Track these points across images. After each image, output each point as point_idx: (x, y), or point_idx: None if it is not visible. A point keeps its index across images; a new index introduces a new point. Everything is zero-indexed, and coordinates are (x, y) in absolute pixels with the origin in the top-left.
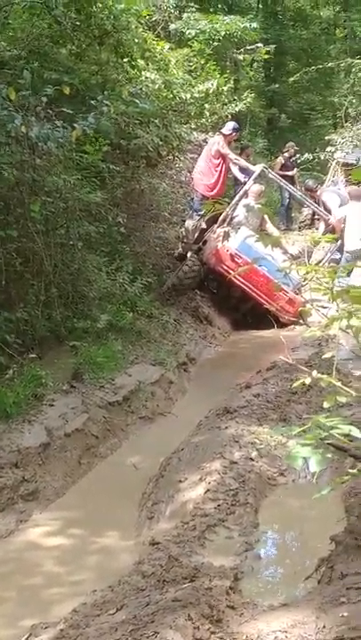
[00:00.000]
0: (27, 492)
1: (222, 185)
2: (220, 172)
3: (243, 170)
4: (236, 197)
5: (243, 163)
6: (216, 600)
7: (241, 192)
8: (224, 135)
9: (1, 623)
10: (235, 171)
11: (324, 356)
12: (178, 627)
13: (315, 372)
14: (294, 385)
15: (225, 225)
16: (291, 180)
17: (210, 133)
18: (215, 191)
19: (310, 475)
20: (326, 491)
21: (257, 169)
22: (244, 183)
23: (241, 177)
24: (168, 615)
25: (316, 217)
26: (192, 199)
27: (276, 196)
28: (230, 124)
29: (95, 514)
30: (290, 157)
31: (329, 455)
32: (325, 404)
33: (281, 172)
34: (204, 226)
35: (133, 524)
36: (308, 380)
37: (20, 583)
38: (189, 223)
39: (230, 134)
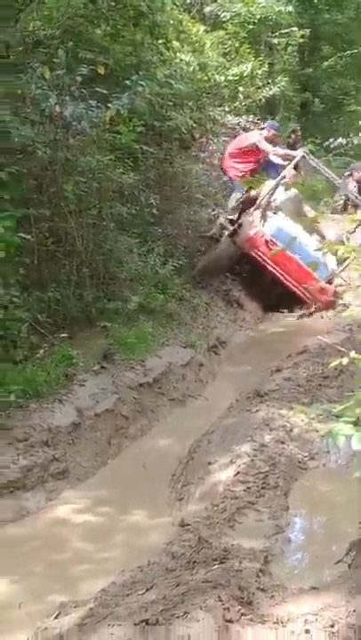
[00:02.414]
0: (57, 470)
1: (251, 172)
2: (256, 160)
3: (285, 157)
4: (275, 182)
5: (282, 151)
6: (246, 582)
7: (280, 177)
8: (261, 133)
9: (30, 598)
10: (276, 160)
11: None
12: (208, 607)
13: (353, 353)
14: (331, 365)
15: (261, 209)
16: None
17: (243, 117)
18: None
19: (341, 458)
20: None
21: (298, 154)
22: (284, 168)
23: (282, 163)
24: (198, 596)
25: (349, 202)
26: (230, 180)
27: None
28: (267, 123)
29: (124, 494)
30: (294, 144)
31: None
32: None
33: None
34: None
35: (163, 504)
36: (345, 361)
37: (49, 559)
38: (233, 198)
39: (267, 129)
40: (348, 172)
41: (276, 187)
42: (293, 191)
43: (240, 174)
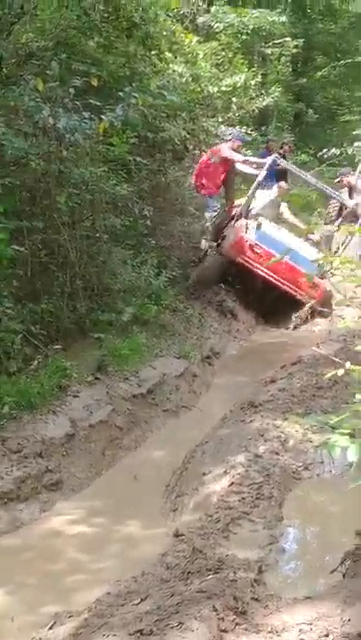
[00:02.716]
0: (50, 481)
1: (227, 181)
2: (223, 172)
3: (256, 166)
4: (251, 190)
5: (253, 159)
6: (241, 592)
7: (254, 184)
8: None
9: (24, 610)
10: (248, 170)
11: (357, 348)
12: (203, 617)
13: (348, 364)
14: (326, 376)
15: (243, 218)
16: (281, 174)
17: (237, 127)
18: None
19: (335, 469)
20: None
21: (269, 159)
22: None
23: (253, 172)
24: (193, 606)
25: (343, 211)
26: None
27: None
28: (232, 132)
29: (119, 505)
30: (285, 155)
31: None
32: (358, 396)
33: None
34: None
35: (157, 515)
36: (340, 372)
37: (43, 570)
38: (207, 220)
39: (232, 141)
40: (338, 179)
41: (252, 195)
42: (270, 196)
43: (209, 192)
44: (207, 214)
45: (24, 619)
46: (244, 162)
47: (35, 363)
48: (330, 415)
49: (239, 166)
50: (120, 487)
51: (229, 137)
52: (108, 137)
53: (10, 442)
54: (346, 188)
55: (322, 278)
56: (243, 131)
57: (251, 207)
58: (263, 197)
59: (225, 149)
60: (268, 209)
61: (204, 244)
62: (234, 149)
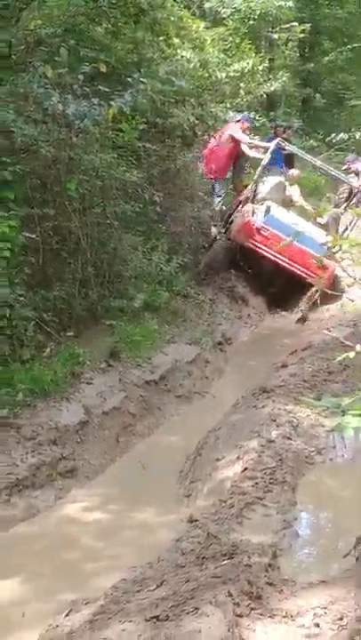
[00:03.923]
0: (65, 469)
1: (236, 165)
2: (231, 154)
3: (261, 149)
4: (257, 174)
5: (258, 142)
6: (255, 577)
7: (260, 168)
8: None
9: (40, 597)
10: (252, 153)
11: None
12: (218, 602)
13: (358, 346)
14: (337, 359)
15: (249, 202)
16: (288, 158)
17: (245, 112)
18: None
19: (347, 453)
20: None
21: (272, 143)
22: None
23: (258, 156)
24: (208, 591)
25: (351, 196)
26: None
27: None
28: (241, 115)
29: (133, 491)
30: (288, 140)
31: None
32: None
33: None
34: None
35: (171, 501)
36: (352, 354)
37: (59, 557)
38: (215, 206)
39: (241, 122)
40: (345, 167)
41: (258, 180)
42: (275, 179)
43: (216, 175)
44: (216, 197)
45: (40, 606)
46: (250, 144)
47: (47, 350)
48: (342, 397)
49: (245, 149)
50: (134, 473)
51: (238, 118)
52: (117, 123)
53: (24, 429)
54: (353, 174)
55: (329, 259)
56: (251, 115)
57: (257, 191)
58: (270, 181)
59: (234, 129)
60: (274, 192)
61: (213, 230)
62: (242, 130)
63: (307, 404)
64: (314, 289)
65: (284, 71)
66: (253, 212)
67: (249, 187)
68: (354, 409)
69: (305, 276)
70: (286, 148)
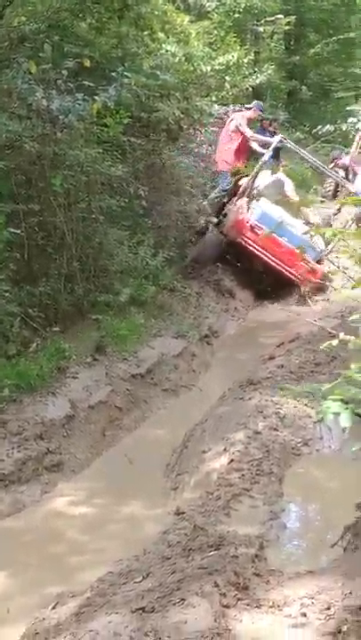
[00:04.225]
0: (51, 463)
1: (239, 159)
2: (239, 147)
3: (262, 144)
4: (255, 169)
5: (260, 137)
6: (242, 567)
7: (259, 163)
8: (247, 109)
9: (27, 591)
10: (254, 146)
11: (351, 318)
12: (205, 593)
13: (342, 334)
14: (322, 346)
15: (245, 197)
16: (275, 150)
17: (231, 106)
18: (232, 165)
19: (334, 444)
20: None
21: (275, 140)
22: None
23: (260, 150)
24: (194, 582)
25: (339, 188)
26: (216, 175)
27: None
28: (255, 102)
29: (120, 485)
30: (274, 133)
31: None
32: (352, 366)
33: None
34: (224, 199)
35: (158, 494)
36: (335, 342)
37: (45, 551)
38: (211, 196)
39: (254, 110)
40: (332, 165)
41: (257, 174)
42: (275, 176)
43: (228, 163)
44: (215, 193)
45: (27, 599)
46: (252, 137)
47: (33, 345)
48: (322, 384)
49: (251, 143)
50: (121, 467)
51: (251, 105)
52: (101, 118)
53: (10, 424)
54: (341, 170)
55: (319, 263)
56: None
57: (255, 186)
58: (268, 177)
59: (240, 119)
60: (270, 189)
61: (202, 222)
62: (251, 119)
63: (288, 391)
64: (303, 291)
65: (269, 64)
66: (248, 209)
67: (246, 179)
68: (334, 394)
69: (293, 278)
70: (288, 145)
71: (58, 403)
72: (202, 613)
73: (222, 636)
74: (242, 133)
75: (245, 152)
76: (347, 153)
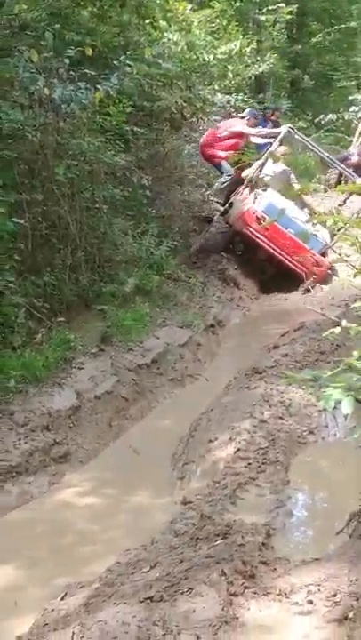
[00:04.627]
0: (58, 454)
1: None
2: (237, 144)
3: (269, 136)
4: (262, 159)
5: (266, 130)
6: (249, 556)
7: (267, 153)
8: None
9: (36, 582)
10: (258, 140)
11: (353, 305)
12: (212, 582)
13: (344, 322)
14: (325, 334)
15: (251, 187)
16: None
17: (233, 95)
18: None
19: (339, 432)
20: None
21: (283, 130)
22: (270, 145)
23: (264, 141)
24: (202, 571)
25: (342, 178)
26: (215, 166)
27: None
28: (247, 111)
29: (127, 475)
30: (276, 122)
31: None
32: (354, 353)
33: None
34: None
35: (165, 484)
36: (337, 330)
37: (54, 543)
38: (216, 186)
39: (248, 119)
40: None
41: (265, 163)
42: (281, 166)
43: (223, 158)
44: (221, 179)
45: (35, 590)
46: (259, 134)
47: (39, 336)
48: (324, 370)
49: (255, 140)
50: (127, 457)
51: (244, 114)
52: (104, 107)
53: (17, 415)
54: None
55: (324, 256)
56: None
57: (262, 175)
58: (272, 167)
59: (239, 125)
60: (277, 180)
61: (207, 211)
62: (249, 126)
63: (290, 379)
64: (307, 283)
65: (271, 53)
66: (255, 199)
67: (252, 168)
68: (336, 381)
69: (298, 270)
70: (296, 136)
71: (64, 393)
72: (210, 602)
73: (230, 624)
74: (240, 136)
75: (239, 148)
76: (345, 146)
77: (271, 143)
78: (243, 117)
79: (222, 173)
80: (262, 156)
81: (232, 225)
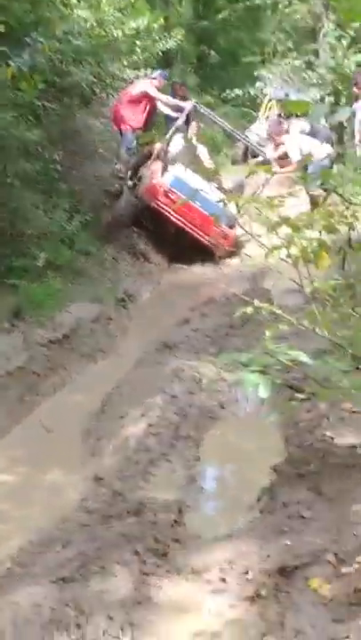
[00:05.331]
0: None
1: (144, 123)
2: (146, 110)
3: (175, 108)
4: (170, 133)
5: (173, 101)
6: (161, 534)
7: (173, 128)
8: (152, 80)
9: None
10: (166, 111)
11: (265, 286)
12: (125, 562)
13: (256, 302)
14: (236, 315)
15: (159, 160)
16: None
17: (142, 70)
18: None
19: (250, 407)
20: (272, 415)
21: (188, 105)
22: (177, 119)
23: (173, 114)
24: (114, 550)
25: (248, 152)
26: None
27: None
28: (158, 72)
29: (39, 452)
30: (184, 96)
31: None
32: (267, 333)
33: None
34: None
35: (77, 460)
36: (249, 310)
37: None
38: (121, 159)
39: (158, 80)
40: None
41: (171, 138)
42: (187, 141)
43: (130, 125)
44: (122, 151)
45: None
46: (166, 102)
47: None
48: (242, 353)
49: (161, 106)
50: (39, 434)
51: (155, 75)
52: (16, 83)
53: None
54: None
55: (231, 228)
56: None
57: (169, 150)
58: (179, 142)
59: (149, 87)
60: (184, 154)
61: (117, 185)
62: (158, 88)
63: (208, 360)
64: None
65: (178, 29)
66: (163, 173)
67: (158, 143)
68: (253, 364)
69: (207, 243)
70: (202, 110)
71: None
72: (122, 582)
73: (143, 604)
74: (149, 98)
75: (151, 115)
76: (250, 121)
77: (179, 118)
78: (154, 79)
79: (124, 144)
80: (170, 131)
81: (140, 198)
